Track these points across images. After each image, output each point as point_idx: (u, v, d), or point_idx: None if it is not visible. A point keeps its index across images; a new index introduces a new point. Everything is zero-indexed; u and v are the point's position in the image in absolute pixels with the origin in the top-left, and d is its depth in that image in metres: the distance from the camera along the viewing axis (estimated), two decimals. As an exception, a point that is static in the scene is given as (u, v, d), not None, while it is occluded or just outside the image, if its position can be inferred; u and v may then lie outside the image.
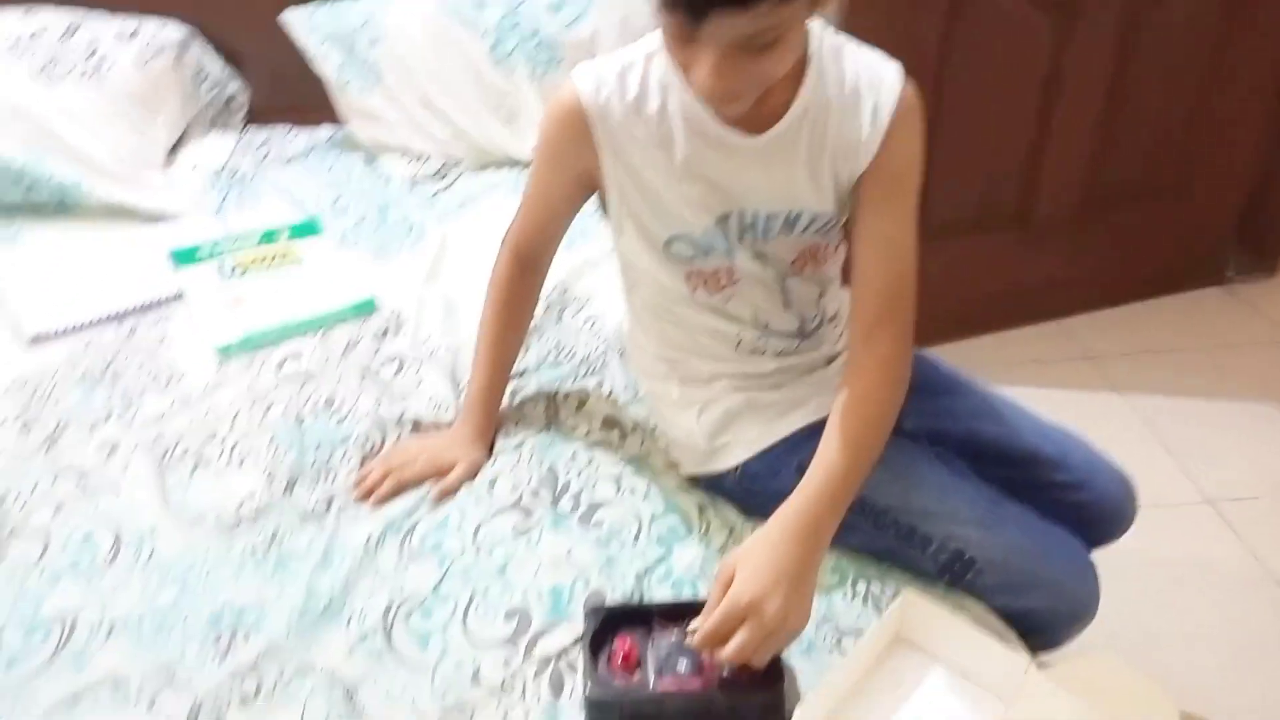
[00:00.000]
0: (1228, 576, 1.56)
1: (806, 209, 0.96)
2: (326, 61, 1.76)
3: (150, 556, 1.03)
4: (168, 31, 1.78)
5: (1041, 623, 0.98)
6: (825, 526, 0.86)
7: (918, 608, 0.87)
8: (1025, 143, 1.89)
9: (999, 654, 0.84)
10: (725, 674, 0.82)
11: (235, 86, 1.89)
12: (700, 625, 0.81)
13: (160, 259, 1.51)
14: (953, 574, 0.96)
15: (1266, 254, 2.25)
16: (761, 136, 0.92)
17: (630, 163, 0.96)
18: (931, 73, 1.73)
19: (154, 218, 1.63)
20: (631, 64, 0.95)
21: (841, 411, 0.91)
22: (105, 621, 0.95)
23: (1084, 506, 1.05)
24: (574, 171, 1.00)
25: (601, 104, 0.94)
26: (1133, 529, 1.10)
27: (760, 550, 0.83)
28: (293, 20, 1.77)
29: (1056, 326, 2.10)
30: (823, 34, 0.93)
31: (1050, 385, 1.94)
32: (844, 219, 0.99)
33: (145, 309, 1.43)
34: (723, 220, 0.97)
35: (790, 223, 0.97)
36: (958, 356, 1.92)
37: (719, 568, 0.84)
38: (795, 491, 0.87)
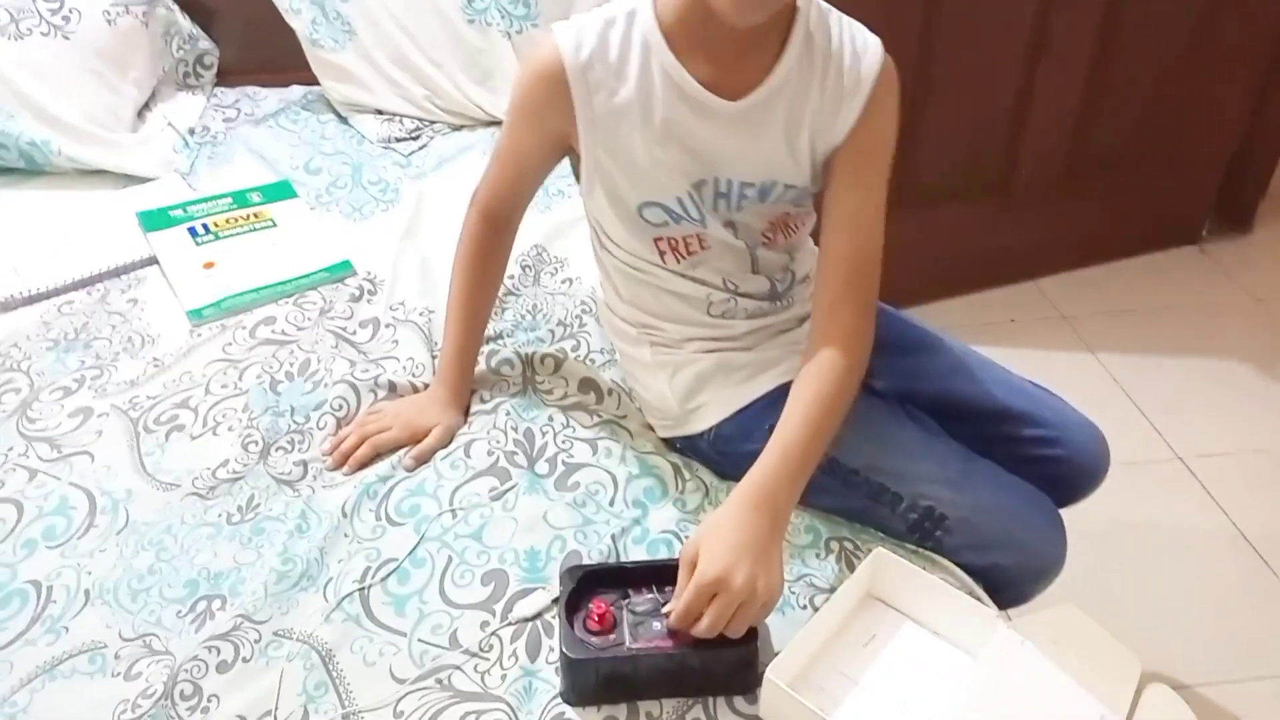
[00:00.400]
0: (1197, 533, 1.60)
1: (781, 180, 0.96)
2: (299, 17, 1.73)
3: (126, 523, 1.02)
4: (134, -12, 1.74)
5: (1009, 579, 0.99)
6: (784, 497, 0.87)
7: (888, 565, 0.89)
8: (1009, 108, 1.89)
9: (967, 609, 0.85)
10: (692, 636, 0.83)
11: (206, 45, 1.85)
12: (672, 607, 0.82)
13: (130, 222, 1.49)
14: (922, 532, 0.98)
15: (1242, 216, 2.27)
16: (740, 102, 0.91)
17: (607, 125, 0.94)
18: (917, 37, 1.72)
19: (125, 179, 1.61)
20: (613, 20, 0.93)
21: (802, 383, 0.92)
22: (81, 588, 0.96)
23: (1057, 462, 1.06)
24: (548, 132, 0.99)
25: (583, 64, 0.92)
26: (1104, 486, 1.11)
27: (722, 526, 0.83)
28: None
29: (1033, 287, 2.12)
30: (810, 2, 0.92)
31: (1024, 345, 1.96)
32: (817, 190, 0.99)
33: (117, 273, 1.41)
34: (697, 187, 0.96)
35: (764, 192, 0.97)
36: (935, 316, 1.94)
37: (683, 549, 0.84)
38: (755, 464, 0.88)
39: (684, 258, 1.01)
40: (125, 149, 1.64)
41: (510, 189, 1.08)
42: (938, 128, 1.84)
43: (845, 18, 0.95)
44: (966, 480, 0.99)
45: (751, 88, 0.91)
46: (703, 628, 0.80)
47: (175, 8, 1.80)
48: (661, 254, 1.02)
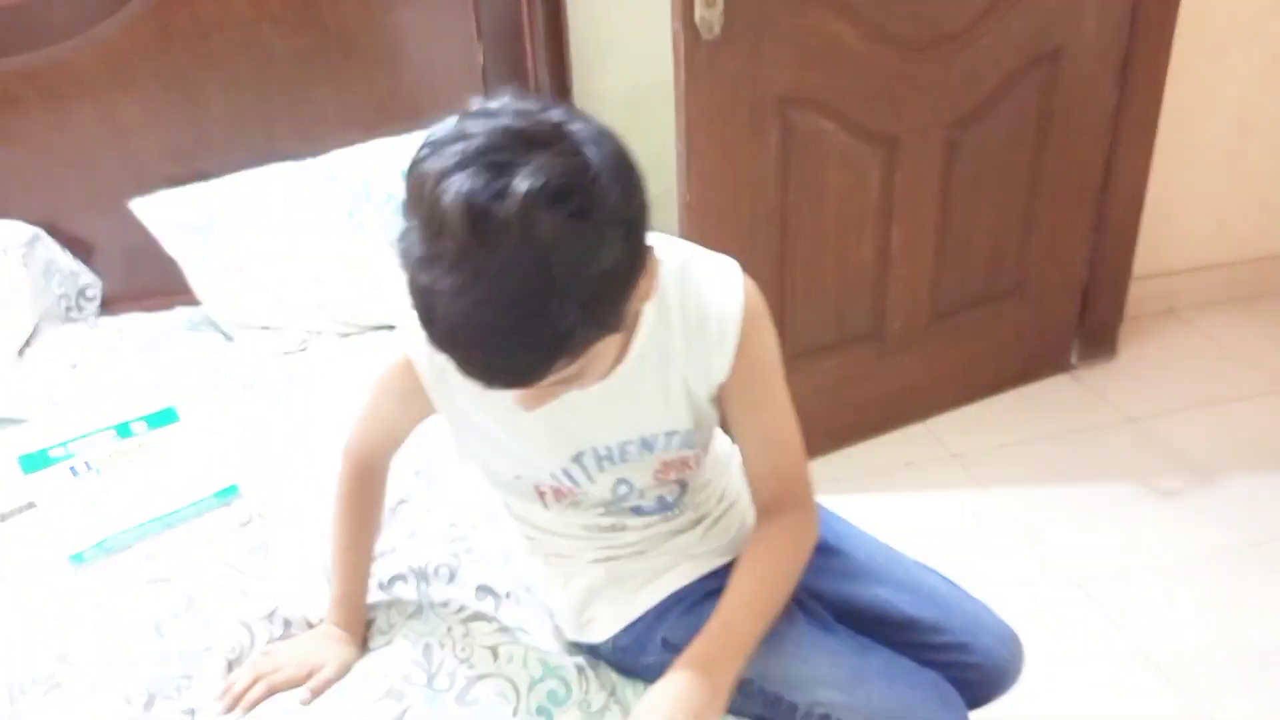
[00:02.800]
0: (1099, 658, 1.63)
1: (661, 430, 0.96)
2: (180, 246, 1.76)
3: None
4: (13, 233, 1.77)
5: None
6: (723, 671, 0.87)
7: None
8: (871, 265, 2.01)
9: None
10: None
11: (88, 278, 1.87)
12: None
13: (10, 466, 1.46)
14: None
15: (1105, 340, 2.42)
16: (604, 382, 0.87)
17: (470, 419, 0.96)
18: (776, 211, 1.84)
19: (4, 421, 1.58)
20: None
21: (743, 567, 0.94)
22: None
23: (968, 667, 1.04)
24: (414, 411, 1.01)
25: (437, 372, 0.93)
26: (1008, 615, 1.11)
27: (662, 695, 0.84)
28: (142, 208, 1.78)
29: (922, 428, 2.20)
30: (665, 258, 0.87)
31: (921, 488, 2.02)
32: (706, 431, 1.01)
33: (-5, 521, 1.37)
34: (576, 458, 0.97)
35: (647, 444, 0.97)
36: (833, 468, 2.01)
37: None
38: (698, 637, 0.89)
39: (563, 499, 1.02)
40: (4, 390, 1.62)
41: (381, 443, 1.10)
42: (807, 289, 1.95)
43: (697, 261, 0.92)
44: (858, 678, 0.98)
45: (613, 366, 0.88)
46: None
47: (55, 245, 1.83)
48: (542, 495, 1.02)
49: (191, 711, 1.04)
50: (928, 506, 1.96)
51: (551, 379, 0.75)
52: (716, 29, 1.61)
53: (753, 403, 0.96)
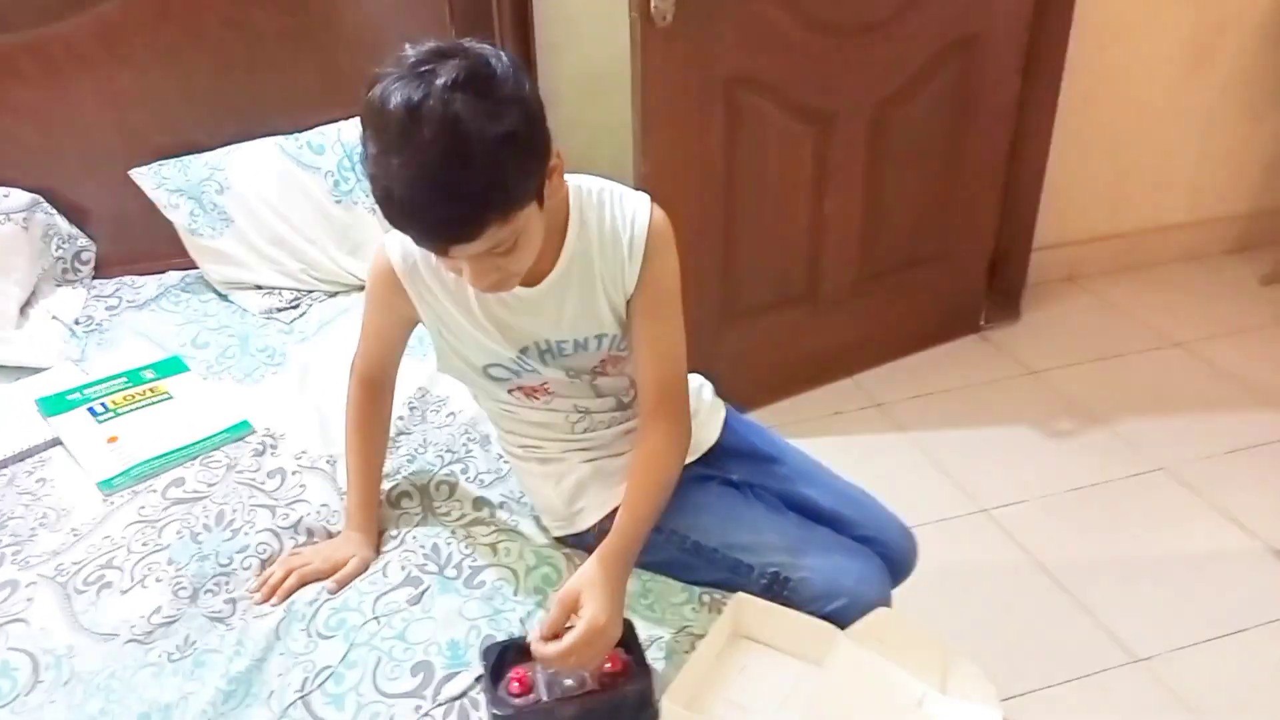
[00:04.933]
0: (1003, 570, 1.89)
1: (591, 334, 1.17)
2: (177, 211, 1.89)
3: (71, 675, 1.12)
4: (14, 198, 1.88)
5: (847, 619, 1.17)
6: (630, 562, 1.09)
7: (747, 605, 1.10)
8: (805, 232, 2.23)
9: (812, 630, 1.07)
10: (598, 683, 1.01)
11: (83, 242, 1.98)
12: (561, 645, 0.98)
13: (29, 410, 1.59)
14: (772, 593, 1.18)
15: (1010, 305, 2.69)
16: (536, 287, 1.12)
17: (440, 313, 1.17)
18: (721, 182, 2.04)
19: (18, 371, 1.70)
20: None
21: (631, 475, 1.14)
22: (37, 737, 1.04)
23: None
24: (397, 314, 1.21)
25: (409, 268, 1.14)
26: (923, 540, 1.35)
27: (605, 582, 1.03)
28: (141, 176, 1.90)
29: (850, 382, 2.44)
30: (580, 190, 1.13)
31: (847, 433, 2.27)
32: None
33: (21, 457, 1.50)
34: (523, 352, 1.17)
35: (581, 346, 1.17)
36: (770, 417, 2.25)
37: (561, 596, 1.02)
38: (611, 533, 1.09)
39: (537, 398, 1.23)
40: (14, 343, 1.74)
41: (380, 357, 1.29)
42: (749, 253, 2.16)
43: (614, 190, 1.14)
44: (803, 546, 1.22)
45: (545, 274, 1.11)
46: (583, 662, 0.99)
47: (54, 211, 1.94)
48: (517, 400, 1.23)
49: (233, 601, 1.21)
50: (854, 448, 2.20)
51: (489, 243, 0.95)
52: (669, 17, 1.79)
53: (649, 315, 1.14)
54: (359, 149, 1.86)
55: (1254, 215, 2.99)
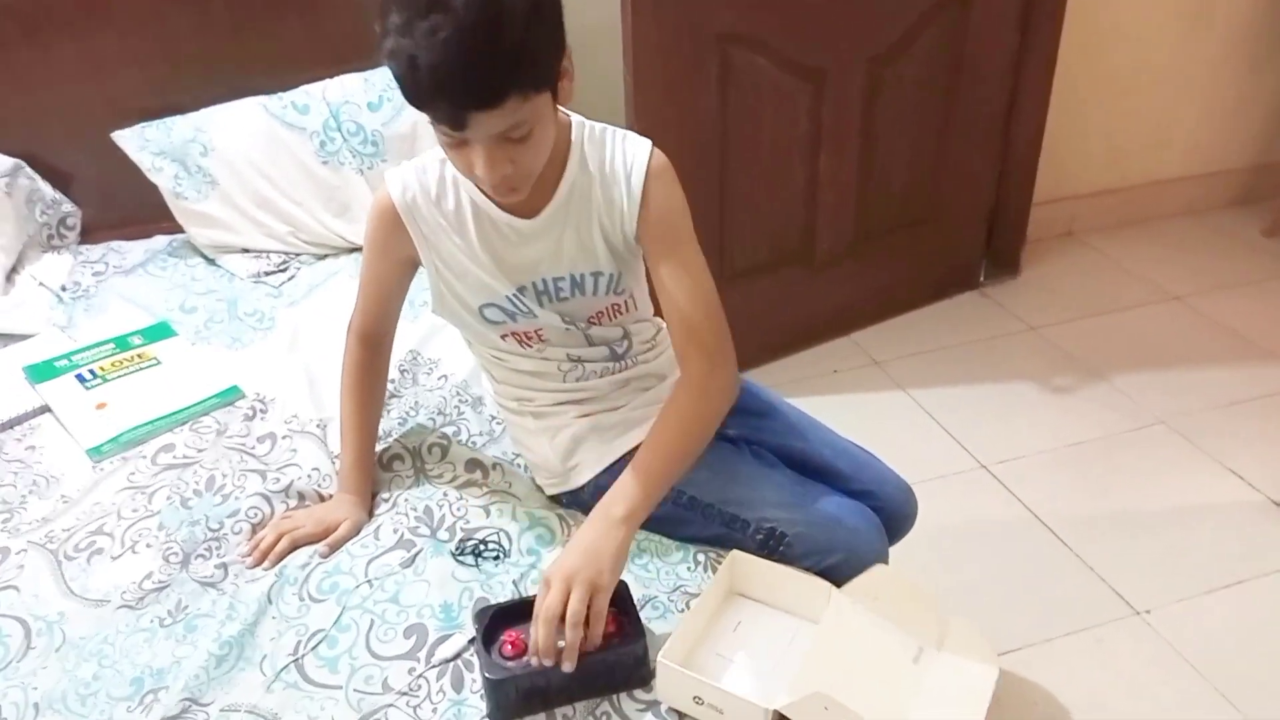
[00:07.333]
0: (1003, 524, 1.88)
1: (586, 270, 1.15)
2: (161, 174, 1.86)
3: (64, 640, 1.11)
4: (-3, 163, 1.85)
5: (843, 575, 1.17)
6: (635, 510, 1.04)
7: (742, 562, 1.09)
8: (801, 191, 2.20)
9: (808, 586, 1.06)
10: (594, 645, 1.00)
11: (68, 207, 1.96)
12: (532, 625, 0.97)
13: (17, 377, 1.57)
14: (769, 548, 1.17)
15: (1010, 261, 2.67)
16: (535, 219, 1.12)
17: (439, 247, 1.15)
18: (715, 141, 2.01)
19: (4, 339, 1.68)
20: (428, 165, 1.15)
21: (661, 420, 1.11)
22: (30, 703, 1.04)
23: (875, 511, 1.25)
24: (397, 257, 1.19)
25: (409, 202, 1.13)
26: (923, 497, 1.34)
27: (569, 545, 1.02)
28: (124, 139, 1.87)
29: (848, 340, 2.42)
30: (583, 125, 1.13)
31: (847, 390, 2.25)
32: (630, 279, 1.19)
33: (10, 425, 1.49)
34: (520, 290, 1.16)
35: (577, 283, 1.16)
36: (770, 376, 2.23)
37: (541, 579, 1.00)
38: (614, 484, 1.06)
39: (530, 345, 1.21)
40: (0, 310, 1.72)
41: (378, 311, 1.27)
42: (745, 212, 2.13)
43: (618, 133, 1.13)
44: (799, 502, 1.20)
45: (543, 206, 1.11)
46: (568, 619, 0.96)
47: (36, 176, 1.91)
48: (511, 346, 1.21)
49: (224, 566, 1.20)
50: (853, 406, 2.19)
51: (509, 119, 0.95)
52: (660, -29, 1.76)
53: (661, 253, 1.12)
54: (344, 114, 1.90)
55: (1255, 169, 2.95)
